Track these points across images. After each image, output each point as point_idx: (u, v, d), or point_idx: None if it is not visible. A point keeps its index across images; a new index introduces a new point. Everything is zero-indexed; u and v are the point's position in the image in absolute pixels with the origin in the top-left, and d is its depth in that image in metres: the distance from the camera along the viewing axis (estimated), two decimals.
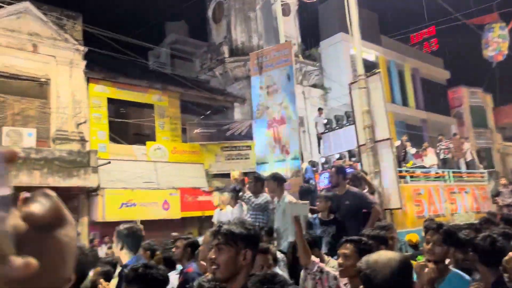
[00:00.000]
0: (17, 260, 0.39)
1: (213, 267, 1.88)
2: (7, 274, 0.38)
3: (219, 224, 1.97)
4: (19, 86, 12.43)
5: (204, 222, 13.54)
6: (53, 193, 0.47)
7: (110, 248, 7.60)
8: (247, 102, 16.96)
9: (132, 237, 3.20)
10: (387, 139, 7.31)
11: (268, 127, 8.52)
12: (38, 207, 0.44)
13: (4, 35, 12.18)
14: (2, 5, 12.20)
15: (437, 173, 10.85)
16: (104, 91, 14.11)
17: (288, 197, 5.69)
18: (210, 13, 19.90)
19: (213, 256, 1.87)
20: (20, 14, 12.57)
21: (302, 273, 3.79)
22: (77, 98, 13.28)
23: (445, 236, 2.81)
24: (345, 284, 2.95)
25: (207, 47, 19.99)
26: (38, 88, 12.82)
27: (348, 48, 19.22)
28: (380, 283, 1.67)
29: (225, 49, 18.36)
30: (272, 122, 8.47)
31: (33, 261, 0.39)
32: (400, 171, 8.89)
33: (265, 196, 5.79)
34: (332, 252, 5.00)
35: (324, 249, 5.21)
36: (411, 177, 9.51)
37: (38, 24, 12.86)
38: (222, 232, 1.88)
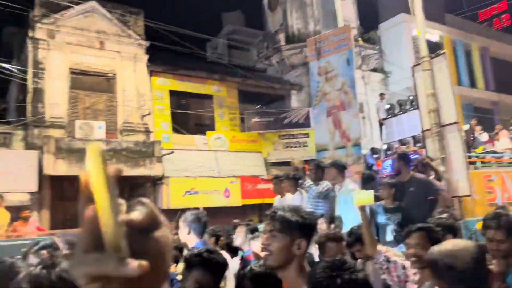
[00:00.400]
0: (132, 262, 0.45)
1: (266, 253, 1.84)
2: (123, 274, 0.44)
3: (274, 209, 1.91)
4: (89, 82, 13.22)
5: (264, 209, 13.70)
6: (148, 201, 0.54)
7: (176, 234, 7.90)
8: (304, 89, 16.82)
9: (198, 222, 3.32)
10: (454, 123, 6.94)
11: (327, 114, 8.40)
12: (137, 214, 0.51)
13: (74, 34, 12.98)
14: (71, 5, 12.98)
15: (511, 158, 10.15)
16: (165, 83, 14.64)
17: (350, 185, 5.61)
18: (265, 1, 19.85)
19: (266, 242, 1.83)
20: (88, 13, 13.32)
21: (358, 262, 3.72)
22: (141, 91, 13.88)
23: (508, 229, 2.61)
24: (414, 273, 2.86)
25: (263, 35, 20.00)
26: (105, 83, 13.55)
27: (410, 29, 18.36)
28: (461, 271, 1.61)
29: (281, 36, 18.27)
30: (331, 108, 8.34)
31: (145, 262, 0.45)
32: (470, 157, 8.41)
33: (325, 184, 5.74)
34: (397, 240, 4.87)
35: (389, 237, 5.09)
36: (482, 162, 8.97)
37: (104, 22, 13.56)
38: (277, 218, 1.83)
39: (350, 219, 5.24)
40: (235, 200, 14.27)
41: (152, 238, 0.50)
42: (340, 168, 5.76)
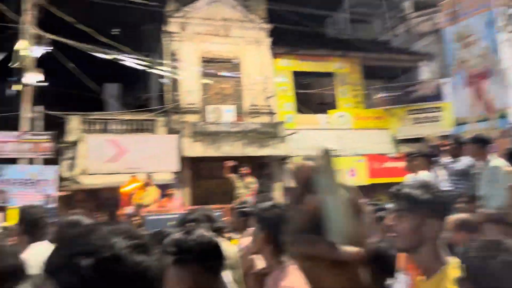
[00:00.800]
0: (349, 248, 0.50)
1: (393, 234, 1.72)
2: (340, 257, 0.49)
3: (400, 186, 1.76)
4: (217, 68, 14.06)
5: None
6: (351, 185, 0.57)
7: None
8: (435, 59, 15.49)
9: None
10: None
11: (467, 84, 7.60)
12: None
13: (203, 24, 13.89)
14: None
15: None
16: (288, 64, 14.82)
17: (495, 161, 5.04)
18: None
19: (392, 223, 1.70)
20: (213, 3, 14.11)
21: None
22: (264, 74, 14.28)
23: None
24: None
25: (387, 5, 18.81)
26: (231, 69, 14.26)
27: None
28: None
29: (408, 4, 17.00)
30: (471, 77, 7.51)
31: (360, 250, 0.49)
32: None
33: (466, 160, 5.26)
34: None
35: None
36: None
37: (228, 9, 14.24)
38: (403, 197, 1.69)
39: (495, 199, 4.74)
40: (361, 179, 13.96)
41: (359, 221, 0.54)
42: (483, 143, 5.20)
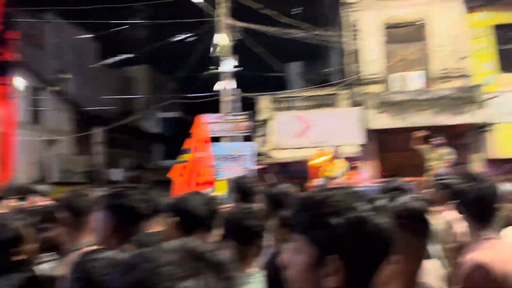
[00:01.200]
0: None
1: None
2: None
3: None
4: (400, 34, 13.23)
5: None
6: None
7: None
8: None
9: None
10: None
11: None
12: None
13: None
14: None
15: None
16: (486, 18, 12.89)
17: None
18: None
19: None
20: None
21: None
22: (455, 32, 12.80)
23: None
24: None
25: None
26: (417, 32, 13.21)
27: None
28: None
29: None
30: None
31: None
32: None
33: None
34: None
35: None
36: None
37: None
38: None
39: None
40: None
41: None
42: None
